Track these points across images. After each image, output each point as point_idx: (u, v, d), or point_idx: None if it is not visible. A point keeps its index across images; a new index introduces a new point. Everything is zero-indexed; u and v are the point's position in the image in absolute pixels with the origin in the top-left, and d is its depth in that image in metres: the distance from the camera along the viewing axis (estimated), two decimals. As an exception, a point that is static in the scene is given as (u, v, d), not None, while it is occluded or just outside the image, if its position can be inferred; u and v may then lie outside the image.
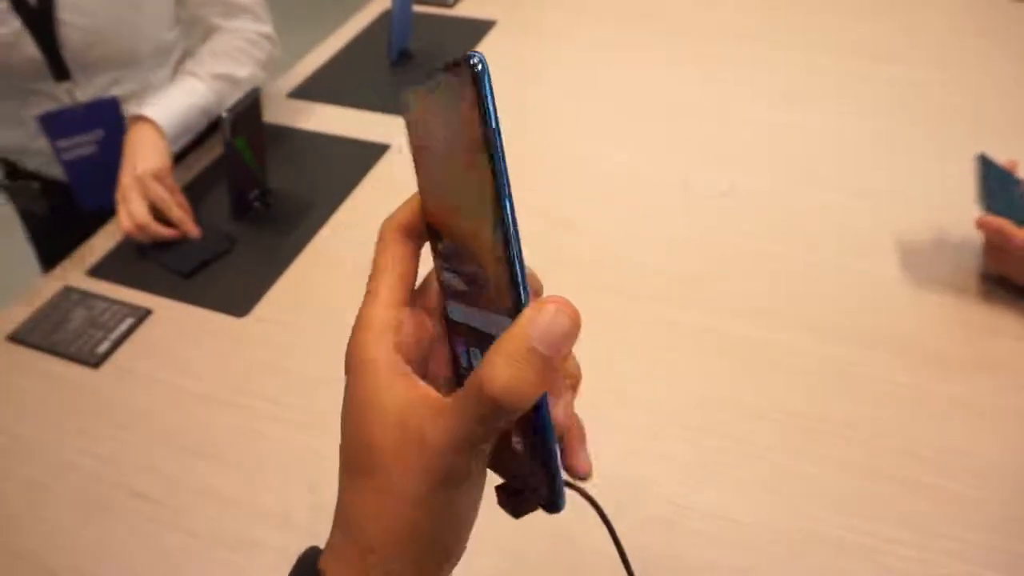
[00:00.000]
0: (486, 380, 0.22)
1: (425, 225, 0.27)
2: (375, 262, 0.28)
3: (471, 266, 0.24)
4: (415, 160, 0.27)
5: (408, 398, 0.25)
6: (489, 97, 0.21)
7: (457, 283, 0.26)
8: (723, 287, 0.85)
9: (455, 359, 0.28)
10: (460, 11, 1.48)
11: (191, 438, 0.70)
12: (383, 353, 0.26)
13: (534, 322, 0.22)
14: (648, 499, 0.64)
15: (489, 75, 0.21)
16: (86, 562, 0.61)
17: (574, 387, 0.27)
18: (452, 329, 0.28)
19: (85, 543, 0.62)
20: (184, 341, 0.80)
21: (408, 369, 0.26)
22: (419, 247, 0.28)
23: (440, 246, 0.27)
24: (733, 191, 0.99)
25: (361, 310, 0.27)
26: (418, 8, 1.43)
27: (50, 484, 0.66)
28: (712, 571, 0.60)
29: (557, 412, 0.26)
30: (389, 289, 0.27)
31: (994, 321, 0.80)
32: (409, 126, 0.27)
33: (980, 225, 0.80)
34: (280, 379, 0.75)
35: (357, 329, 0.27)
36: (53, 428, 0.71)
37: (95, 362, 0.77)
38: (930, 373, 0.74)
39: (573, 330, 0.22)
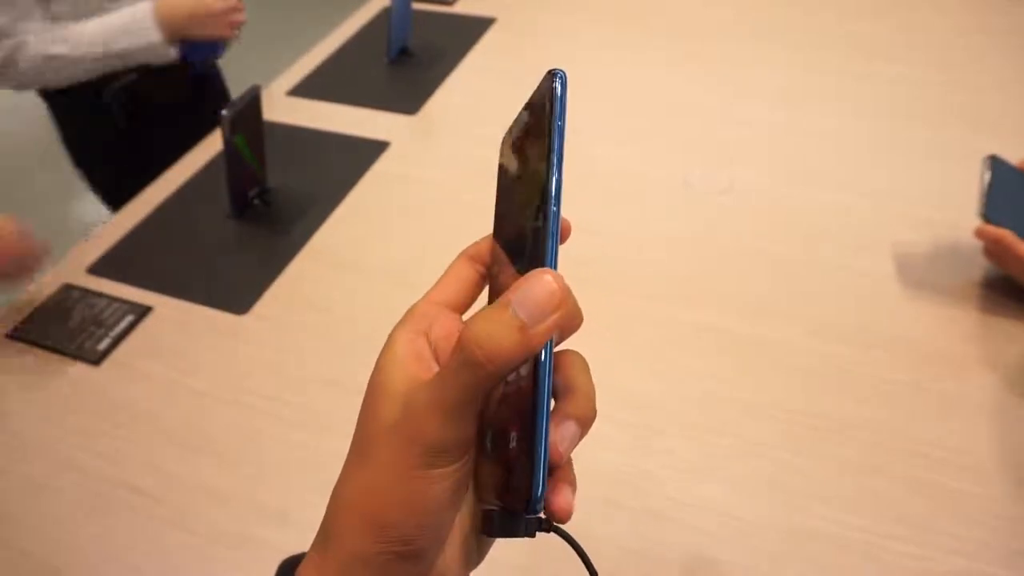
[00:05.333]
0: (463, 334, 0.23)
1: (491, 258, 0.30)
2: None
3: (516, 267, 0.26)
4: (497, 197, 0.30)
5: (416, 377, 0.25)
6: (560, 97, 0.25)
7: (503, 287, 0.28)
8: (723, 285, 0.85)
9: None
10: (459, 9, 1.48)
11: (191, 435, 0.70)
12: (406, 335, 0.27)
13: (518, 286, 0.23)
14: (648, 496, 0.64)
15: (565, 81, 0.26)
16: (86, 559, 0.61)
17: (583, 427, 0.26)
18: None
19: (85, 540, 0.62)
20: (184, 339, 0.80)
21: (428, 354, 0.27)
22: (479, 273, 0.30)
23: (495, 269, 0.29)
24: (733, 190, 1.00)
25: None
26: (417, 6, 1.43)
27: (50, 481, 0.66)
28: (712, 567, 0.60)
29: (556, 437, 0.25)
30: (437, 289, 0.29)
31: (993, 320, 0.80)
32: (500, 167, 0.30)
33: (979, 235, 0.80)
34: (280, 377, 0.75)
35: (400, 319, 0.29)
36: (53, 426, 0.71)
37: (95, 359, 0.77)
38: (929, 371, 0.75)
39: (550, 300, 0.23)
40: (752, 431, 0.69)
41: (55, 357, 0.78)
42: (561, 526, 0.26)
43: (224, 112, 0.87)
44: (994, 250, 0.80)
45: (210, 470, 0.67)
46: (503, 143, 0.30)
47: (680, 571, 0.59)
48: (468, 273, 0.30)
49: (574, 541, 0.27)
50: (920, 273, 0.86)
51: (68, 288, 0.85)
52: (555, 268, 0.24)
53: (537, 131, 0.26)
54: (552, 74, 0.26)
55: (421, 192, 1.01)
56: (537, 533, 0.26)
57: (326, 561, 0.26)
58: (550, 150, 0.24)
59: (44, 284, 0.86)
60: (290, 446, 0.69)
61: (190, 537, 0.62)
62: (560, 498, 0.25)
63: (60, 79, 1.13)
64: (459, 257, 0.30)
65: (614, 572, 0.59)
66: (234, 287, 0.86)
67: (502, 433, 0.25)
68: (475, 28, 1.41)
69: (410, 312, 0.29)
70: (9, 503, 0.65)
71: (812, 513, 0.63)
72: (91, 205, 2.16)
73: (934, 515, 0.63)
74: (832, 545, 0.61)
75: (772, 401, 0.72)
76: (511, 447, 0.25)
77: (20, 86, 1.13)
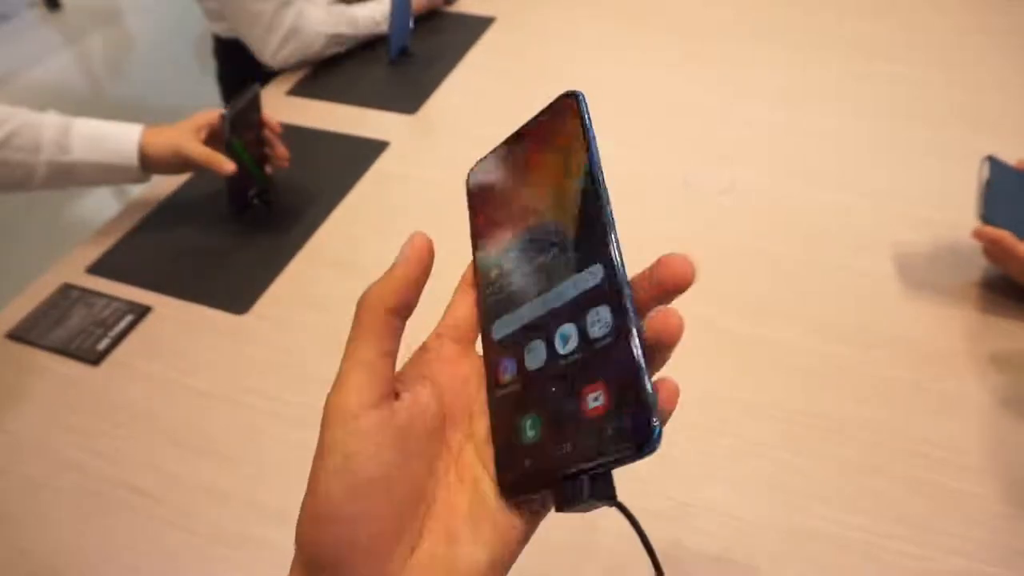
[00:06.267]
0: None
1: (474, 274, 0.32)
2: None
3: (546, 254, 0.28)
4: (476, 223, 0.33)
5: None
6: (586, 113, 0.28)
7: (517, 285, 0.29)
8: (723, 285, 0.85)
9: (494, 381, 0.29)
10: (459, 8, 1.48)
11: (191, 435, 0.70)
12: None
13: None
14: (648, 496, 0.64)
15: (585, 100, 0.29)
16: (86, 559, 0.61)
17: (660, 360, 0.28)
18: (496, 350, 0.29)
19: (85, 540, 0.62)
20: (184, 338, 0.80)
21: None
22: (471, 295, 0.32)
23: (494, 274, 0.31)
24: (733, 189, 1.00)
25: None
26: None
27: (49, 481, 0.66)
28: (712, 567, 0.60)
29: (662, 324, 0.27)
30: (444, 319, 0.31)
31: (992, 319, 0.80)
32: (474, 189, 0.34)
33: (977, 236, 0.79)
34: (280, 376, 0.75)
35: None
36: (53, 425, 0.71)
37: (95, 359, 0.77)
38: (929, 371, 0.75)
39: (410, 243, 0.30)
40: (752, 431, 0.69)
41: (55, 357, 0.78)
42: (627, 506, 0.27)
43: (224, 112, 0.87)
44: (993, 251, 0.80)
45: (210, 470, 0.67)
46: (476, 172, 0.33)
47: (680, 571, 0.59)
48: (469, 299, 0.31)
49: (636, 522, 0.28)
50: (920, 273, 0.86)
51: (68, 288, 0.85)
52: (626, 273, 0.27)
53: (559, 155, 0.28)
54: (573, 97, 0.28)
55: (421, 192, 1.01)
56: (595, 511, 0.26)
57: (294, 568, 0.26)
58: (594, 182, 0.27)
59: (44, 284, 0.86)
60: (290, 446, 0.69)
61: (190, 537, 0.62)
62: (668, 382, 0.25)
63: (325, 55, 1.29)
64: (459, 285, 0.32)
65: (613, 572, 0.59)
66: (234, 287, 0.86)
67: (565, 406, 0.25)
68: (475, 28, 1.41)
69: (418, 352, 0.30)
70: (9, 503, 0.65)
71: (812, 513, 0.63)
72: (91, 206, 2.16)
73: (934, 515, 0.63)
74: (832, 545, 0.61)
75: (772, 401, 0.72)
76: (591, 407, 0.24)
77: (301, 57, 1.25)
